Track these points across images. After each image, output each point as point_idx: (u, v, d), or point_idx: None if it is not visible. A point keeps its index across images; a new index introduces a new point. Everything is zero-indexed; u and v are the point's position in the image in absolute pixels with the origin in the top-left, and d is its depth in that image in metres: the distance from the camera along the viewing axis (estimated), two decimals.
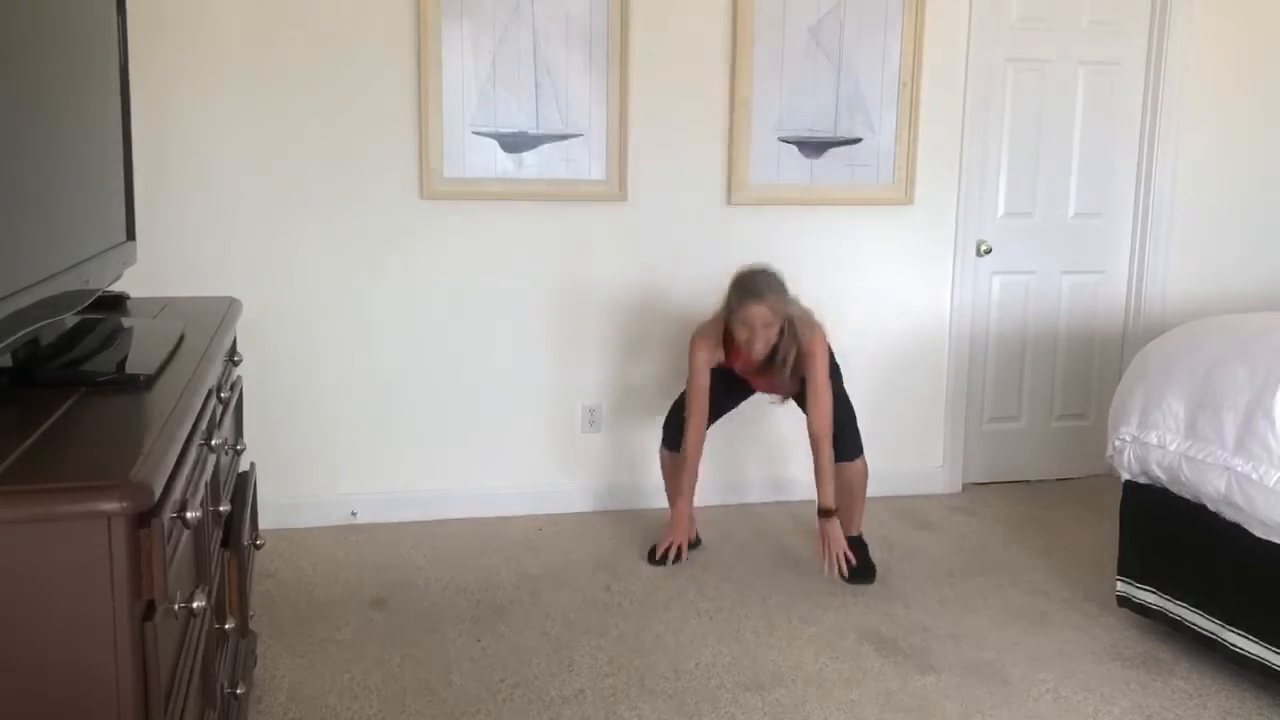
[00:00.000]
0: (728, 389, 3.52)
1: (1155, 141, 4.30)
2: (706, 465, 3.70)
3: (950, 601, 3.28)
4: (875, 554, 3.55)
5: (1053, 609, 3.24)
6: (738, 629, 3.07)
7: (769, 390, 3.53)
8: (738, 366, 3.43)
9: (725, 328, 3.37)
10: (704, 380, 3.43)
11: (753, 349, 3.30)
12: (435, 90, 3.64)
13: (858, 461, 3.51)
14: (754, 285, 3.28)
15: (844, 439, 3.46)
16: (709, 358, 3.42)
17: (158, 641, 1.28)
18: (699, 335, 3.43)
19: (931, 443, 4.30)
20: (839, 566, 3.34)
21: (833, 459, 3.39)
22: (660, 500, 3.83)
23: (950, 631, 3.08)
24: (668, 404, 3.96)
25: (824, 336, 3.38)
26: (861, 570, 3.45)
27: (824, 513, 3.36)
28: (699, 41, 3.83)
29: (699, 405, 3.45)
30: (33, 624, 1.20)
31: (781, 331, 3.31)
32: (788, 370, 3.34)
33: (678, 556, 3.52)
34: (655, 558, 3.52)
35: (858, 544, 3.54)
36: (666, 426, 3.64)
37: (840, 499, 3.48)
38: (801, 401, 3.45)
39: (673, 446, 3.59)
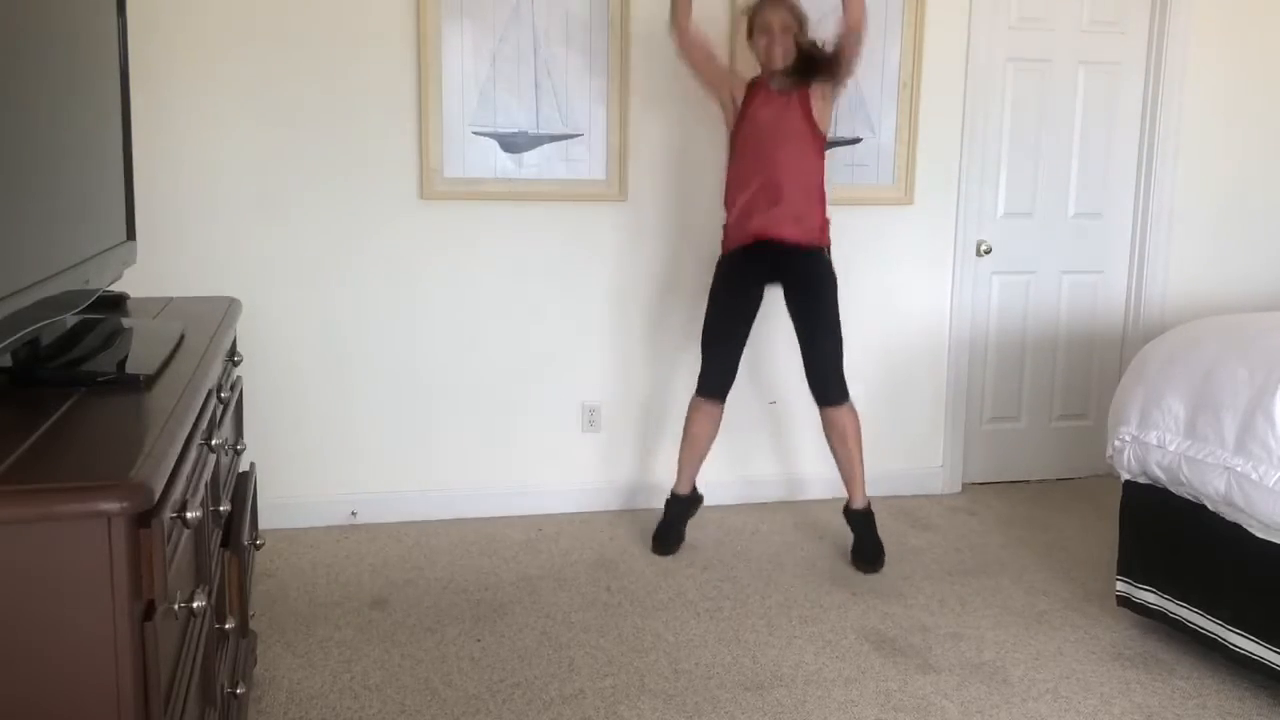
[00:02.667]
0: (740, 294, 3.48)
1: (1155, 141, 4.30)
2: (706, 464, 3.71)
3: (950, 601, 3.28)
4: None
5: (1053, 609, 3.24)
6: (738, 629, 3.07)
7: (780, 161, 3.40)
8: (755, 103, 3.42)
9: (753, 81, 3.45)
10: (716, 60, 3.52)
11: (772, 59, 3.35)
12: (435, 90, 3.64)
13: (845, 406, 3.47)
14: None
15: (831, 378, 3.43)
16: (739, 78, 3.49)
17: (158, 641, 1.28)
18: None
19: (931, 443, 4.30)
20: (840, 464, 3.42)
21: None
22: (662, 499, 3.83)
23: (950, 631, 3.08)
24: (668, 404, 3.98)
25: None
26: (870, 550, 3.47)
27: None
28: None
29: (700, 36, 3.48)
30: (33, 624, 1.20)
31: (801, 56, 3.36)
32: (819, 52, 3.35)
33: (689, 496, 3.63)
34: (660, 542, 3.58)
35: (864, 520, 3.53)
36: (703, 369, 3.53)
37: (838, 454, 3.52)
38: (799, 316, 3.45)
39: (712, 391, 3.51)
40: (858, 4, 3.34)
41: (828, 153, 3.91)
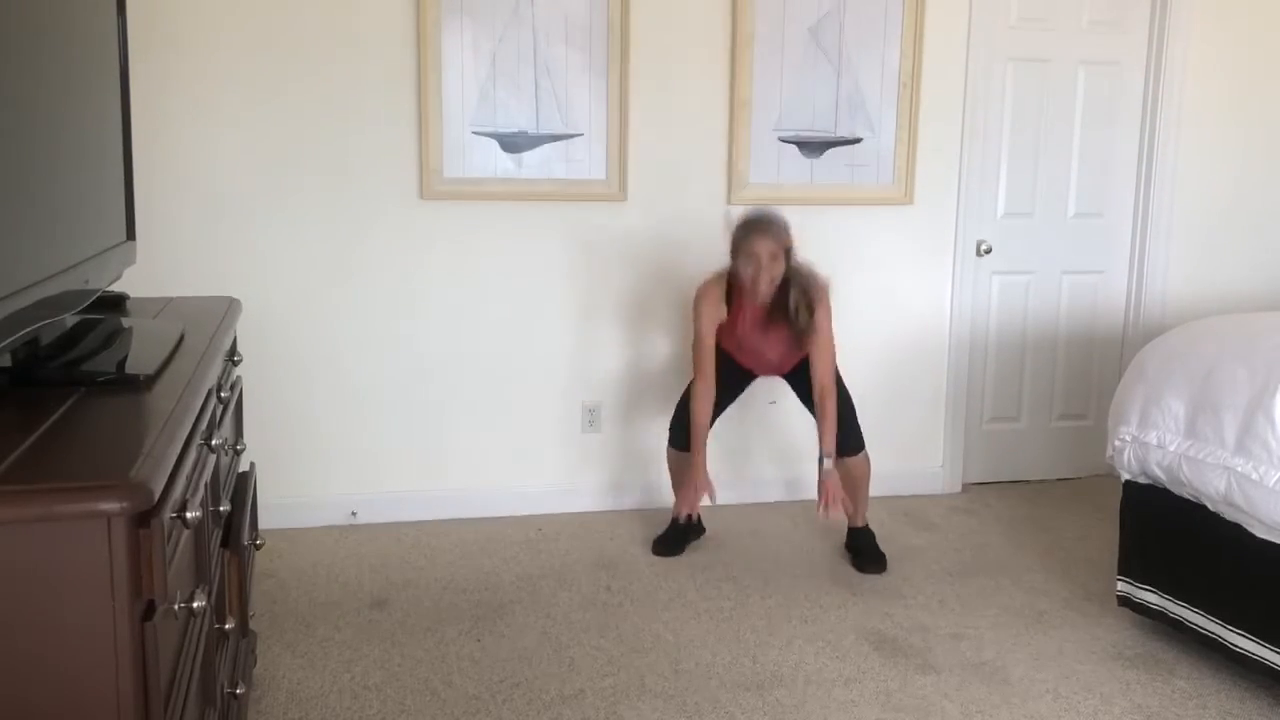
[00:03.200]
0: (728, 378, 3.51)
1: (1155, 141, 4.30)
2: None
3: (950, 601, 3.28)
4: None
5: (1053, 609, 3.24)
6: (738, 629, 3.07)
7: (770, 361, 3.48)
8: (741, 326, 3.38)
9: (729, 284, 3.36)
10: (710, 338, 3.39)
11: (758, 288, 3.26)
12: (435, 90, 3.64)
13: (860, 455, 3.52)
14: (758, 220, 3.30)
15: (847, 433, 3.46)
16: (714, 313, 3.37)
17: (158, 641, 1.28)
18: (702, 290, 3.40)
19: (932, 443, 4.30)
20: (842, 506, 3.33)
21: (836, 412, 3.37)
22: (661, 499, 3.83)
23: (950, 631, 3.08)
24: (669, 403, 3.96)
25: (829, 293, 3.36)
26: (872, 560, 3.50)
27: (827, 457, 3.33)
28: (699, 41, 3.83)
29: (707, 364, 3.40)
30: (33, 624, 1.20)
31: (787, 281, 3.29)
32: (798, 318, 3.29)
33: (689, 524, 3.57)
34: (661, 547, 3.58)
35: (865, 535, 3.57)
36: (674, 425, 3.63)
37: (846, 491, 3.51)
38: (800, 388, 3.48)
39: (680, 445, 3.58)
40: (827, 363, 3.35)
41: (828, 153, 3.92)
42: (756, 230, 3.26)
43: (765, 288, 3.27)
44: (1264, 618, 2.64)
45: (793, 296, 3.29)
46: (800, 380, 3.49)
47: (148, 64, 3.39)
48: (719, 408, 3.55)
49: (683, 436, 3.54)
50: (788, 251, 3.29)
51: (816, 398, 3.38)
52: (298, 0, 3.54)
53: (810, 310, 3.30)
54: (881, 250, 4.11)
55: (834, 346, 3.38)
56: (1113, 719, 2.64)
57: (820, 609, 3.21)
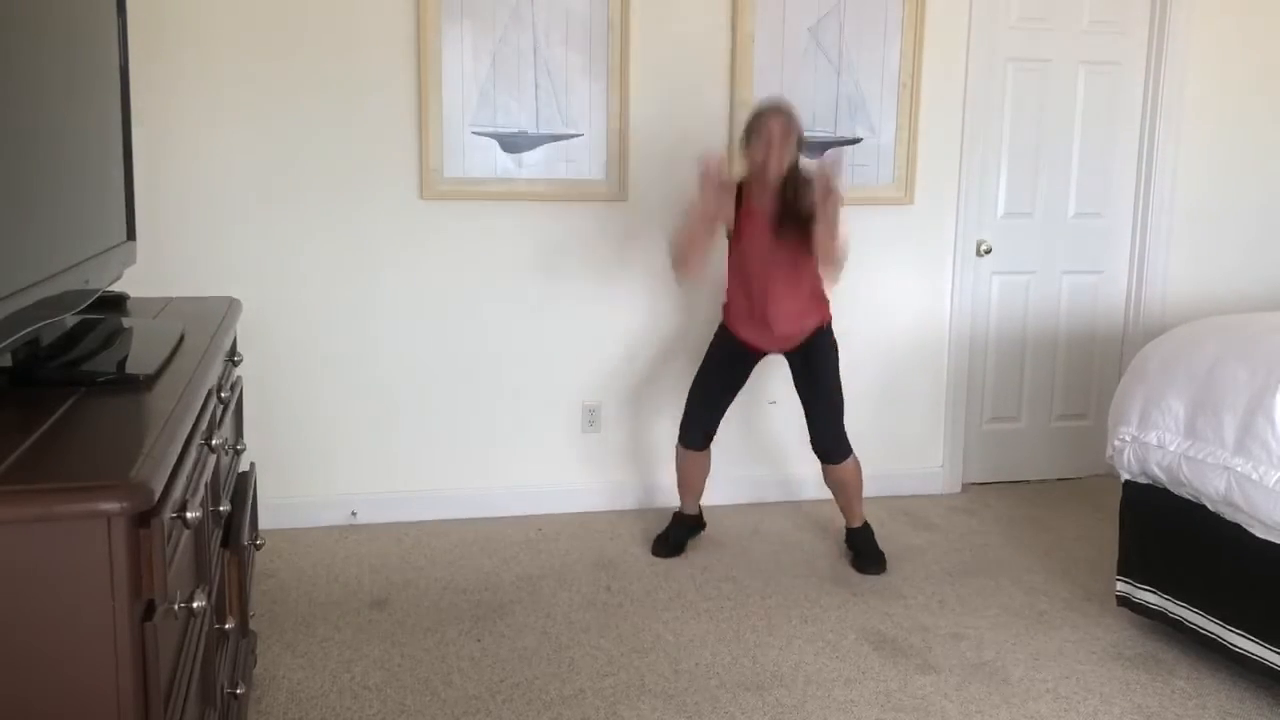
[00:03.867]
0: (732, 364, 3.51)
1: (1155, 141, 4.30)
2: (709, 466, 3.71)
3: (950, 601, 3.28)
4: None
5: (1053, 609, 3.24)
6: (738, 629, 3.07)
7: (776, 275, 3.33)
8: (749, 229, 3.33)
9: (740, 190, 3.36)
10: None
11: (768, 167, 3.24)
12: (435, 90, 3.64)
13: (849, 460, 3.50)
14: (771, 103, 3.34)
15: (833, 438, 3.46)
16: (723, 192, 3.30)
17: (158, 641, 1.28)
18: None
19: (931, 443, 4.30)
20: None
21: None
22: (661, 499, 3.84)
23: (950, 631, 3.08)
24: (669, 403, 3.97)
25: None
26: (871, 560, 3.51)
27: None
28: (699, 41, 3.84)
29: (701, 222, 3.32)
30: (33, 624, 1.20)
31: (794, 182, 3.26)
32: (798, 200, 3.22)
33: (692, 522, 3.63)
34: (661, 547, 3.59)
35: (863, 534, 3.57)
36: (685, 423, 3.57)
37: (837, 497, 3.57)
38: (799, 374, 3.46)
39: (693, 444, 3.56)
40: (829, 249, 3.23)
41: (827, 153, 3.92)
42: (769, 110, 3.30)
43: (775, 167, 3.25)
44: (1264, 618, 2.64)
45: (788, 184, 3.26)
46: (799, 364, 3.47)
47: (148, 64, 3.39)
48: (725, 399, 3.54)
49: (696, 435, 3.54)
50: (800, 141, 3.31)
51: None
52: (298, 1, 3.54)
53: (810, 183, 3.24)
54: (881, 250, 4.11)
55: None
56: (1113, 719, 2.64)
57: (820, 609, 3.21)
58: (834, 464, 3.49)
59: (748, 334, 3.46)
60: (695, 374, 3.57)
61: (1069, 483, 4.44)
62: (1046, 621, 3.16)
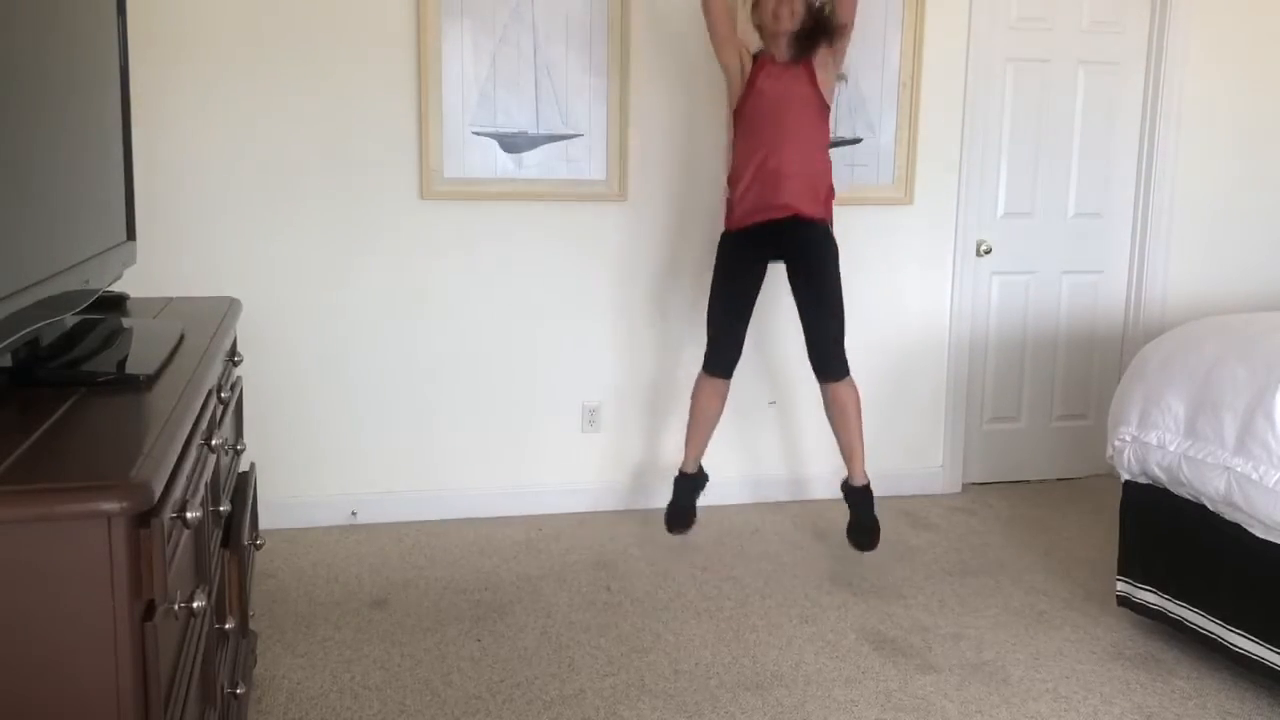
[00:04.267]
0: (742, 274, 3.48)
1: (1155, 141, 4.30)
2: (706, 462, 3.70)
3: (950, 601, 3.28)
4: (875, 554, 3.56)
5: (1053, 609, 3.24)
6: (738, 629, 3.08)
7: (791, 128, 3.39)
8: (758, 82, 3.40)
9: (757, 55, 3.44)
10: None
11: (779, 21, 3.33)
12: (435, 90, 3.64)
13: (846, 381, 3.46)
14: None
15: (833, 347, 3.43)
16: (746, 51, 3.45)
17: (158, 641, 1.28)
18: None
19: (932, 443, 4.30)
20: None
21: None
22: (661, 499, 3.83)
23: (950, 631, 3.08)
24: (669, 403, 3.97)
25: None
26: (863, 530, 3.47)
27: None
28: (699, 41, 3.83)
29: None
30: (33, 624, 1.20)
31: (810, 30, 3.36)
32: (827, 9, 3.35)
33: (696, 478, 3.64)
34: (674, 520, 3.60)
35: (862, 495, 3.53)
36: (709, 348, 3.52)
37: (838, 433, 3.52)
38: (800, 285, 3.45)
39: (716, 369, 3.51)
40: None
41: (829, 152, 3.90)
42: None
43: (787, 24, 3.33)
44: (1264, 618, 2.64)
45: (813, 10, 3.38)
46: (798, 259, 3.46)
47: (148, 64, 3.39)
48: (741, 318, 3.50)
49: (718, 359, 3.49)
50: None
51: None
52: (298, 1, 3.54)
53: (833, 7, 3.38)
54: (881, 250, 4.11)
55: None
56: (1113, 719, 2.64)
57: (820, 609, 3.21)
58: (832, 380, 3.44)
59: (764, 199, 3.39)
60: (708, 299, 3.53)
61: (1069, 483, 4.44)
62: (1046, 621, 3.16)
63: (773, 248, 3.47)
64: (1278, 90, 4.41)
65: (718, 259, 3.54)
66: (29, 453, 1.28)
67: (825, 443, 4.09)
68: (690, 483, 3.66)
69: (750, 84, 3.43)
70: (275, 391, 3.69)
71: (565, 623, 3.09)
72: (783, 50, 3.40)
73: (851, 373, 3.48)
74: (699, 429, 3.62)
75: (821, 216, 3.44)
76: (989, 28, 4.07)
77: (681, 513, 3.62)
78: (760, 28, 3.46)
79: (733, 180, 3.50)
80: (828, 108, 3.45)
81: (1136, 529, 3.04)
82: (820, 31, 3.37)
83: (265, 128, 3.58)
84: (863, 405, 3.54)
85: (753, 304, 3.51)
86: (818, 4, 3.40)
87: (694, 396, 3.60)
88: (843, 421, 3.51)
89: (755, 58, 3.46)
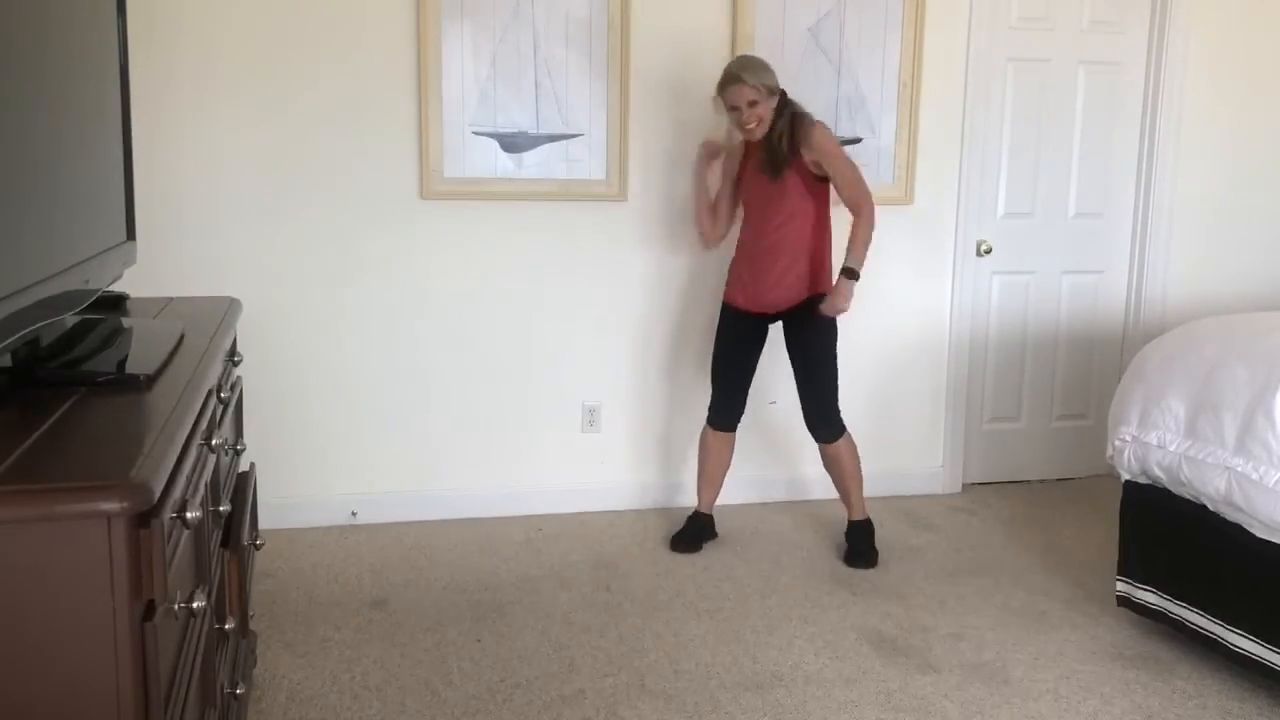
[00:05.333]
0: (739, 339, 3.57)
1: (1155, 141, 4.30)
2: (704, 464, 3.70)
3: (950, 601, 3.28)
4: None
5: (1053, 609, 3.24)
6: (738, 629, 3.07)
7: (775, 215, 3.42)
8: (746, 176, 3.50)
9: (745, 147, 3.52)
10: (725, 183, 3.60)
11: (748, 131, 3.35)
12: (435, 90, 3.64)
13: (842, 440, 3.54)
14: (730, 71, 3.36)
15: (825, 416, 3.51)
16: (730, 159, 3.59)
17: (158, 641, 1.28)
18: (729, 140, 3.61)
19: (932, 443, 4.30)
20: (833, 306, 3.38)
21: (870, 227, 3.39)
22: (661, 498, 3.83)
23: (950, 631, 3.08)
24: (669, 403, 3.97)
25: (825, 126, 3.43)
26: (861, 555, 3.53)
27: (848, 271, 3.37)
28: (699, 41, 3.83)
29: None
30: (33, 624, 1.20)
31: (779, 115, 3.37)
32: (780, 144, 3.35)
33: (707, 521, 3.70)
34: (681, 544, 3.62)
35: (862, 530, 3.58)
36: (710, 403, 3.64)
37: (835, 481, 3.60)
38: (794, 343, 3.51)
39: (713, 423, 3.63)
40: (854, 185, 3.38)
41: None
42: (729, 82, 3.34)
43: (756, 128, 3.35)
44: (1264, 618, 2.63)
45: (777, 128, 3.37)
46: (790, 332, 3.51)
47: (148, 64, 3.39)
48: (742, 376, 3.59)
49: (717, 414, 3.61)
50: (773, 92, 3.35)
51: (853, 213, 3.39)
52: (298, 1, 3.54)
53: (791, 135, 3.35)
54: (882, 250, 4.09)
55: (852, 164, 3.40)
56: (1112, 719, 2.64)
57: (820, 609, 3.21)
58: (824, 442, 3.53)
59: (742, 297, 3.52)
60: (712, 358, 3.64)
61: (1069, 483, 4.44)
62: (1046, 621, 3.16)
63: (770, 318, 3.57)
64: (1278, 90, 4.41)
65: (720, 321, 3.63)
66: (29, 453, 1.28)
67: None
68: (701, 520, 3.71)
69: (742, 171, 3.54)
70: (275, 391, 3.69)
71: (565, 623, 3.09)
72: (758, 153, 3.43)
73: (848, 429, 3.56)
74: (712, 478, 3.71)
75: (810, 294, 3.46)
76: (989, 28, 4.07)
77: (689, 539, 3.65)
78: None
79: (736, 252, 3.59)
80: (820, 191, 3.43)
81: (1136, 529, 3.04)
82: (781, 162, 3.37)
83: (265, 127, 3.58)
84: (859, 454, 3.61)
85: (755, 365, 3.62)
86: (779, 133, 3.36)
87: (702, 448, 3.70)
88: (839, 476, 3.61)
89: (746, 149, 3.52)
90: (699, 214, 3.71)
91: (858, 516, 3.61)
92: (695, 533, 3.66)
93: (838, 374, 3.51)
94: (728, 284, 3.60)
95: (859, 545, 3.56)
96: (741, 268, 3.53)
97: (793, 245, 3.43)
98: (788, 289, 3.45)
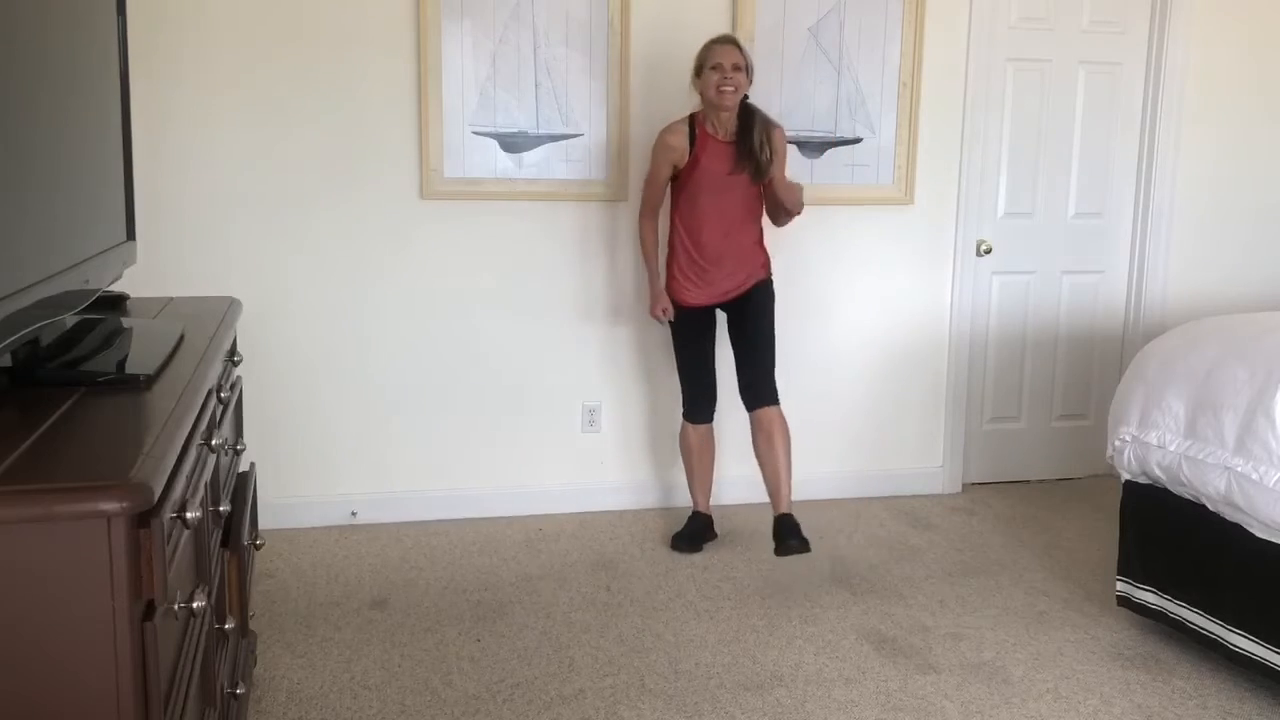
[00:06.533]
0: (698, 335, 3.58)
1: (1155, 141, 4.30)
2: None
3: (950, 601, 3.28)
4: (875, 554, 3.56)
5: (1053, 609, 3.24)
6: (738, 629, 3.07)
7: (728, 213, 3.45)
8: (704, 163, 3.42)
9: (691, 128, 3.44)
10: (663, 174, 3.50)
11: (723, 100, 3.32)
12: (435, 90, 3.64)
13: (776, 409, 3.49)
14: (721, 36, 3.41)
15: (768, 379, 3.51)
16: (674, 148, 3.44)
17: (158, 641, 1.28)
18: (665, 129, 3.50)
19: (931, 443, 4.30)
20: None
21: (796, 203, 3.47)
22: (661, 498, 3.83)
23: (950, 631, 3.08)
24: (669, 403, 3.96)
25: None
26: (793, 543, 3.33)
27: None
28: (699, 41, 3.82)
29: (655, 202, 3.57)
30: (33, 624, 1.20)
31: (748, 117, 3.39)
32: (762, 150, 3.37)
33: (708, 521, 3.70)
34: (682, 542, 3.62)
35: (788, 522, 3.39)
36: (689, 401, 3.64)
37: (764, 460, 3.49)
38: (738, 324, 3.55)
39: (698, 418, 3.63)
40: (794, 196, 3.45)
41: (828, 153, 3.93)
42: (719, 41, 3.38)
43: (730, 100, 3.33)
44: (1264, 618, 2.63)
45: (756, 130, 3.39)
46: (740, 312, 3.54)
47: (148, 64, 3.39)
48: (708, 368, 3.61)
49: (702, 408, 3.62)
50: (751, 72, 3.38)
51: (772, 214, 3.53)
52: (298, 1, 3.54)
53: (770, 140, 3.40)
54: (882, 250, 4.11)
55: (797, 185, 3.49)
56: (1112, 719, 2.64)
57: (820, 609, 3.21)
58: (766, 405, 3.48)
59: (695, 294, 3.52)
60: (676, 359, 3.64)
61: (1069, 483, 4.44)
62: (1046, 621, 3.16)
63: (718, 308, 3.60)
64: (1277, 90, 4.41)
65: (676, 322, 3.59)
66: (29, 453, 1.28)
67: (822, 443, 4.10)
68: (702, 520, 3.71)
69: (695, 161, 3.44)
70: (275, 391, 3.69)
71: (565, 623, 3.09)
72: (726, 127, 3.42)
73: (781, 403, 3.52)
74: (703, 476, 3.70)
75: (759, 281, 3.54)
76: (989, 28, 4.07)
77: (690, 539, 3.65)
78: (703, 96, 3.43)
79: (672, 237, 3.56)
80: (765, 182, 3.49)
81: (1136, 529, 3.04)
82: (765, 166, 3.41)
83: (265, 128, 3.57)
84: (792, 441, 3.53)
85: (714, 352, 3.63)
86: (759, 137, 3.39)
87: (686, 448, 3.69)
88: (769, 449, 3.47)
89: (691, 128, 3.45)
90: (649, 229, 3.62)
91: (786, 509, 3.43)
92: (696, 532, 3.66)
93: (774, 333, 3.57)
94: (673, 282, 3.55)
95: (793, 532, 3.35)
96: (693, 266, 3.50)
97: (752, 242, 3.52)
98: (745, 277, 3.51)
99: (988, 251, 4.23)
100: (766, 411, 3.49)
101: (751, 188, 3.45)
